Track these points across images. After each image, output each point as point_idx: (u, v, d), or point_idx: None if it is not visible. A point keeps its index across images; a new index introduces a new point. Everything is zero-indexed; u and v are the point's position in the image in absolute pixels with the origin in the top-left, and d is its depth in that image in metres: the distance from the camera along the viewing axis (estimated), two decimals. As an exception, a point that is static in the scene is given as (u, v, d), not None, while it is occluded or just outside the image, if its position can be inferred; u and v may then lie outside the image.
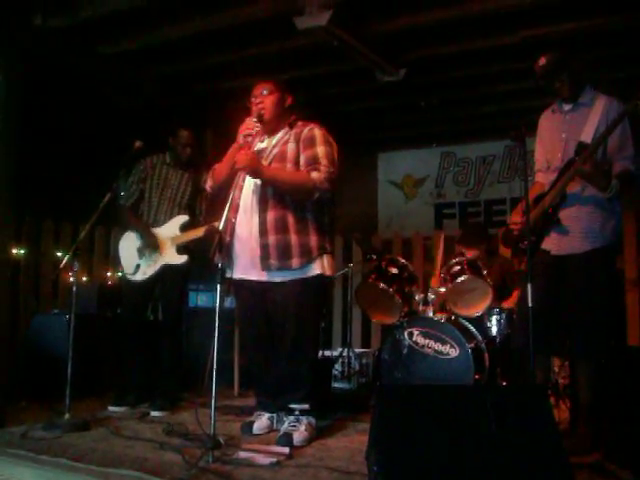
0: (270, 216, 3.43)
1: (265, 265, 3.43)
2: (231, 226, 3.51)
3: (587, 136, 3.26)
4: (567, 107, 3.43)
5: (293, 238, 3.43)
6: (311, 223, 3.51)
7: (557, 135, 3.45)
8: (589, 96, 3.38)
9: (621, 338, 5.57)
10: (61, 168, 6.01)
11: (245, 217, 3.49)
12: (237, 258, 3.54)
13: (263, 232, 3.43)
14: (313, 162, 3.42)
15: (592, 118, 3.30)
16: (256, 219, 3.45)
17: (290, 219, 3.44)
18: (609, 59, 5.89)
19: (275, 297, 3.52)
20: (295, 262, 3.42)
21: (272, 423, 3.63)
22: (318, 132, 3.53)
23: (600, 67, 5.78)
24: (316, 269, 3.49)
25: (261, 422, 3.61)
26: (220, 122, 6.73)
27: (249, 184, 3.52)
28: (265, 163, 3.48)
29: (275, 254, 3.41)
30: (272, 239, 3.41)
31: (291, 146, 3.51)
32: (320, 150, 3.45)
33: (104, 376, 4.93)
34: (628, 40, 5.51)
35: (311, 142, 3.49)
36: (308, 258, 3.45)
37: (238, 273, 3.58)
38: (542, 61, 3.36)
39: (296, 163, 3.49)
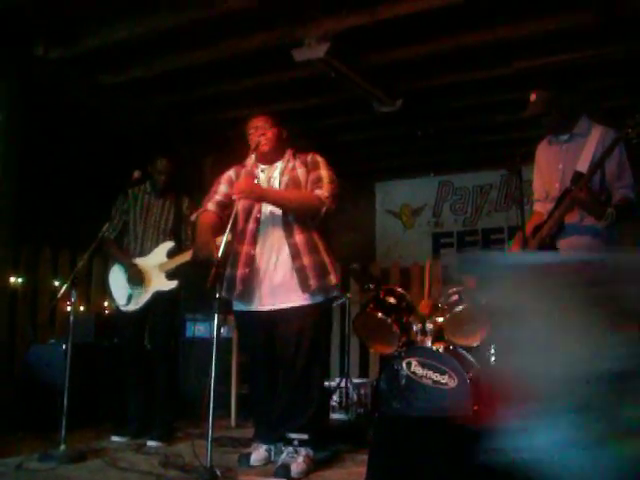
0: (299, 239, 3.52)
1: (305, 287, 3.48)
2: (250, 258, 3.55)
3: (583, 166, 3.29)
4: (563, 137, 3.46)
5: (325, 257, 3.57)
6: (327, 245, 3.65)
7: (554, 166, 3.48)
8: (585, 126, 3.40)
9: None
10: (60, 196, 6.03)
11: (268, 247, 3.56)
12: (255, 289, 3.57)
13: (296, 255, 3.50)
14: (316, 182, 3.57)
15: (588, 148, 3.33)
16: (285, 246, 3.52)
17: (317, 240, 3.58)
18: (606, 89, 5.95)
19: (287, 324, 3.53)
20: (332, 279, 3.56)
21: (270, 455, 3.61)
22: (320, 158, 3.71)
23: (597, 97, 5.84)
24: (329, 292, 3.64)
25: (258, 453, 3.59)
26: (220, 150, 6.80)
27: (265, 215, 3.58)
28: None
29: (313, 274, 3.49)
30: (307, 260, 3.49)
31: (300, 171, 3.65)
32: (323, 173, 3.62)
33: (101, 406, 4.90)
34: (624, 70, 5.57)
35: (315, 166, 3.65)
36: (338, 275, 3.62)
37: (255, 302, 3.60)
38: (532, 98, 3.41)
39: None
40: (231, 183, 3.72)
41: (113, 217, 4.54)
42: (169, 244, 4.46)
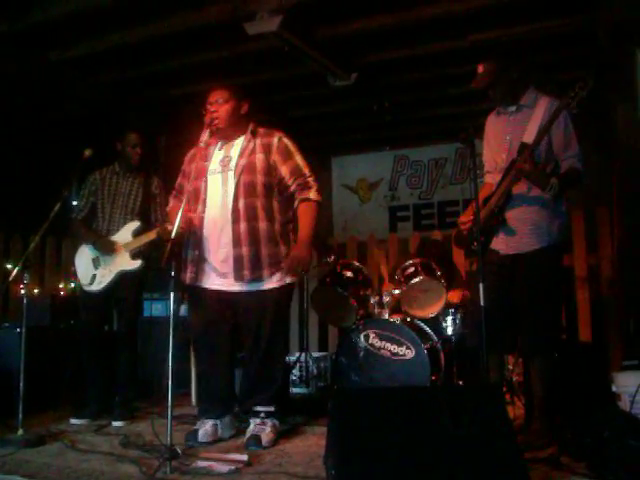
0: (242, 227, 3.48)
1: (239, 276, 3.50)
2: (199, 240, 3.53)
3: (530, 136, 3.33)
4: (511, 109, 3.50)
5: (264, 250, 3.51)
6: (280, 233, 3.59)
7: (502, 137, 3.52)
8: (532, 97, 3.44)
9: (573, 334, 5.69)
10: (10, 179, 5.89)
11: (215, 227, 3.52)
12: (206, 267, 3.57)
13: (237, 243, 3.48)
14: (298, 174, 3.58)
15: (535, 119, 3.37)
16: (228, 230, 3.49)
17: (261, 230, 3.51)
18: (558, 61, 6.01)
19: (247, 305, 3.56)
20: (266, 273, 3.52)
21: (216, 430, 3.59)
22: (288, 142, 3.64)
23: (548, 69, 5.90)
24: (286, 278, 3.59)
25: (205, 429, 3.56)
26: (174, 128, 6.69)
27: (215, 190, 3.53)
28: (232, 174, 3.54)
29: (249, 265, 3.48)
30: (245, 250, 3.47)
31: (260, 157, 3.56)
32: (300, 162, 3.63)
33: (59, 389, 4.84)
34: (577, 43, 5.62)
35: (288, 153, 3.61)
36: (277, 268, 3.55)
37: (206, 282, 3.61)
38: (479, 70, 3.44)
39: (266, 174, 3.55)
40: (187, 175, 3.69)
41: (80, 199, 4.52)
42: (135, 224, 4.43)
